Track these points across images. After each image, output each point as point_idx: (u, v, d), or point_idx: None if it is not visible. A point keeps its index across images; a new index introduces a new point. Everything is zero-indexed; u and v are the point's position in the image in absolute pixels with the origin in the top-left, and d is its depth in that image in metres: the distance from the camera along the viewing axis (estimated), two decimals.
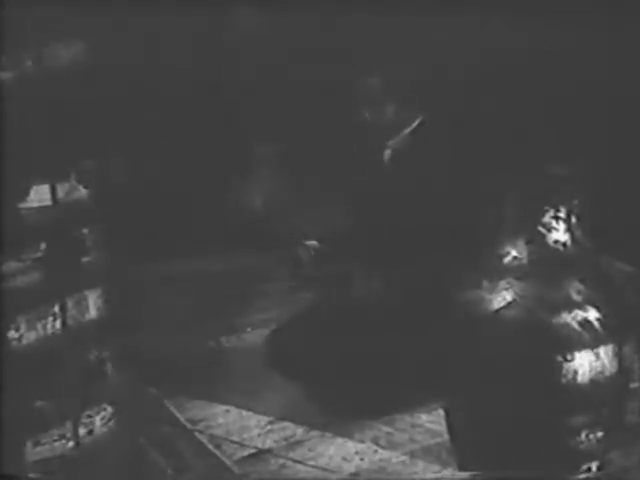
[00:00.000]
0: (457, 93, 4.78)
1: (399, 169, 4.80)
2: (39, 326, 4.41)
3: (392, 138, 4.89)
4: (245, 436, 4.59)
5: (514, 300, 3.89)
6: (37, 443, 4.38)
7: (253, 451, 4.45)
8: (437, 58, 4.91)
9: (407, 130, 4.87)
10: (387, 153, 4.90)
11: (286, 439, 4.53)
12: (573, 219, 3.97)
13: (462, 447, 4.06)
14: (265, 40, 5.19)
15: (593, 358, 3.84)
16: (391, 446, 4.41)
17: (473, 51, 4.79)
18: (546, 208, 3.96)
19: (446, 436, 4.19)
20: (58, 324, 4.47)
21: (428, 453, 4.31)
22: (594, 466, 3.90)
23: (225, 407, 4.86)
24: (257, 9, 5.06)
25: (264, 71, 5.24)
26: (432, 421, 4.54)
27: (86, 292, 4.57)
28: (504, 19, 4.63)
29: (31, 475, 4.28)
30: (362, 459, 4.33)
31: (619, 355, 3.90)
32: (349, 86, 5.00)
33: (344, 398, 4.62)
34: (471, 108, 4.74)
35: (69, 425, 4.47)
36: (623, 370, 3.93)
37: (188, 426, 4.74)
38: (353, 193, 4.98)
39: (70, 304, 4.51)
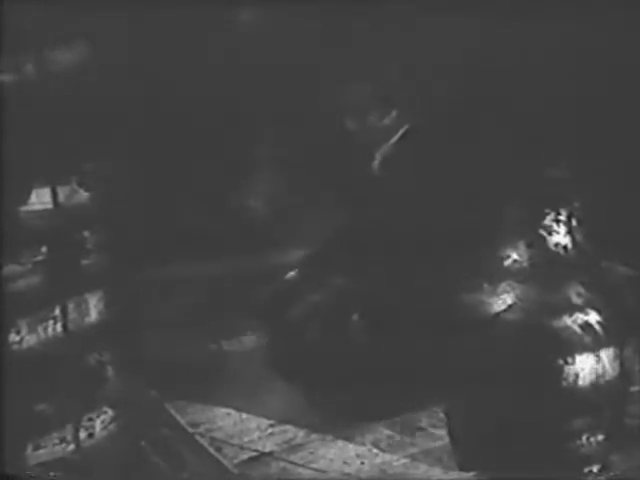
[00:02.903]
0: (458, 96, 4.78)
1: (398, 173, 4.80)
2: (40, 329, 4.41)
3: (379, 148, 4.88)
4: (246, 439, 4.59)
5: (515, 303, 3.89)
6: (38, 446, 4.38)
7: (254, 454, 4.45)
8: (435, 60, 4.91)
9: (394, 138, 4.87)
10: (376, 163, 4.90)
11: (287, 442, 4.53)
12: (574, 222, 3.98)
13: (463, 450, 4.06)
14: (262, 41, 5.20)
15: (594, 361, 3.84)
16: (392, 449, 4.41)
17: (472, 53, 4.79)
18: (547, 211, 3.96)
19: (447, 439, 4.19)
20: (59, 327, 4.47)
21: (429, 456, 4.31)
22: (595, 469, 3.90)
23: (226, 410, 4.86)
24: (258, 8, 5.05)
25: (255, 75, 5.25)
26: (433, 424, 4.55)
27: (87, 295, 4.57)
28: (503, 21, 4.63)
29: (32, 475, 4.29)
30: (363, 462, 4.33)
31: (620, 358, 3.91)
32: (336, 94, 4.99)
33: (344, 401, 4.61)
34: (472, 111, 4.74)
35: (70, 428, 4.48)
36: (624, 373, 3.93)
37: (189, 429, 4.74)
38: (351, 196, 4.97)
39: (71, 307, 4.51)
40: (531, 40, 4.70)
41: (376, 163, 4.87)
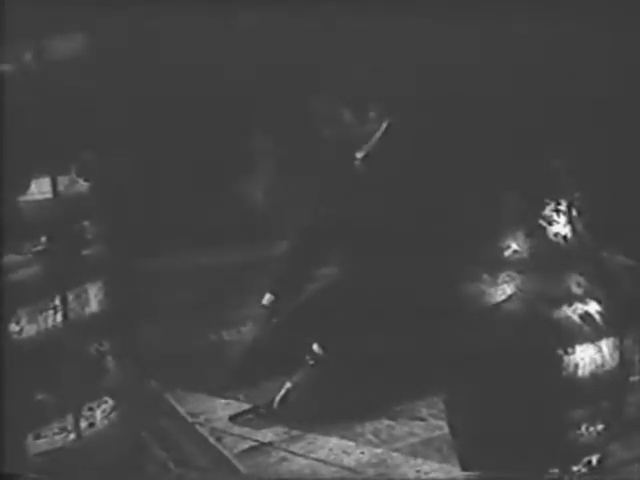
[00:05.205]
0: (458, 85, 4.78)
1: (392, 165, 4.79)
2: (40, 319, 4.41)
3: (360, 149, 4.88)
4: (246, 429, 4.60)
5: (514, 293, 3.88)
6: (38, 436, 4.38)
7: (254, 444, 4.46)
8: (436, 52, 4.91)
9: (376, 136, 4.86)
10: (357, 164, 4.90)
11: (286, 432, 4.54)
12: (574, 212, 3.97)
13: (461, 439, 4.06)
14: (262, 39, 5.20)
15: (594, 351, 3.84)
16: (392, 439, 4.42)
17: (471, 47, 4.79)
18: (547, 201, 3.95)
19: (446, 429, 4.19)
20: (59, 317, 4.47)
21: (429, 446, 4.31)
22: (594, 459, 3.90)
23: (225, 400, 4.87)
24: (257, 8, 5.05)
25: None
26: (433, 414, 4.55)
27: (87, 285, 4.57)
28: (501, 13, 4.63)
29: (33, 475, 4.29)
30: (362, 452, 4.33)
31: (620, 348, 3.90)
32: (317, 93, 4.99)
33: (344, 393, 4.62)
34: (471, 101, 4.73)
35: (70, 418, 4.48)
36: (623, 363, 3.92)
37: (188, 419, 4.75)
38: (348, 189, 4.98)
39: (71, 297, 4.51)
40: (531, 31, 4.70)
41: (357, 164, 4.88)
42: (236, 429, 4.59)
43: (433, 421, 4.50)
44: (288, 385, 4.65)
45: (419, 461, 4.20)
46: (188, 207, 5.34)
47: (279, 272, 5.09)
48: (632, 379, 4.16)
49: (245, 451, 4.40)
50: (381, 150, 4.85)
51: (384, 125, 4.87)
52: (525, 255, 3.93)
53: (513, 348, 3.83)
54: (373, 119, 4.87)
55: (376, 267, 4.72)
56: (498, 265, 3.93)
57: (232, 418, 4.64)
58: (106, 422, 4.58)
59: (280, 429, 4.56)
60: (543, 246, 3.94)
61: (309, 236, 5.08)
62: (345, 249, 4.97)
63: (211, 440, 4.53)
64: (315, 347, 4.63)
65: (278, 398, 4.64)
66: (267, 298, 5.02)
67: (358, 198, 4.90)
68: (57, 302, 4.47)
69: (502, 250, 3.95)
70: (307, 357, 4.65)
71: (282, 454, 4.35)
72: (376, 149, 4.86)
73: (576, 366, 3.81)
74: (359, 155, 4.88)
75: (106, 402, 4.60)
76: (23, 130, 4.29)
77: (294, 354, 4.74)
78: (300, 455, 4.33)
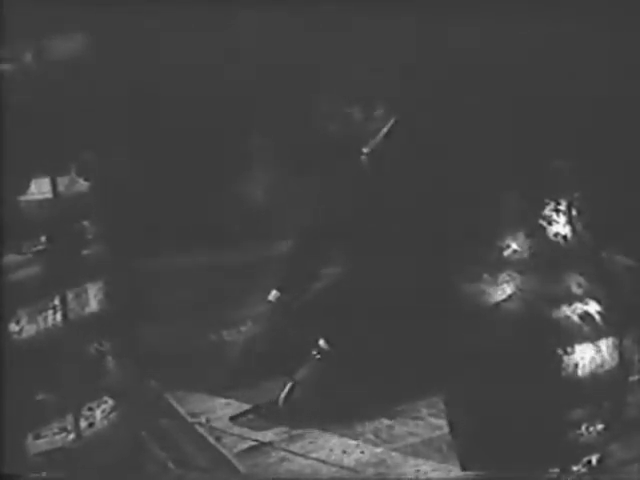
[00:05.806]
0: (457, 86, 4.78)
1: (393, 164, 4.79)
2: (40, 319, 4.42)
3: (366, 144, 4.88)
4: (245, 429, 4.60)
5: (514, 293, 3.88)
6: (38, 436, 4.39)
7: (254, 444, 4.46)
8: (440, 52, 4.91)
9: (382, 133, 4.86)
10: (364, 159, 4.90)
11: (286, 432, 4.54)
12: (574, 212, 3.97)
13: (462, 439, 4.06)
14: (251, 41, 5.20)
15: (593, 351, 3.84)
16: (392, 439, 4.42)
17: (472, 46, 4.79)
18: (547, 201, 3.95)
19: (446, 429, 4.19)
20: (59, 317, 4.48)
21: (429, 446, 4.31)
22: (594, 459, 3.90)
23: (225, 400, 4.87)
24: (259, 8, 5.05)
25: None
26: (433, 414, 4.55)
27: (87, 285, 4.57)
28: (503, 14, 4.63)
29: (33, 475, 4.29)
30: (362, 452, 4.33)
31: (619, 348, 3.90)
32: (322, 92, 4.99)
33: (345, 393, 4.62)
34: (472, 101, 4.73)
35: (70, 418, 4.49)
36: (623, 363, 3.92)
37: (188, 419, 4.75)
38: (349, 188, 4.98)
39: (71, 297, 4.52)
40: (532, 32, 4.70)
41: (364, 159, 4.88)
42: (236, 429, 4.59)
43: (433, 421, 4.50)
44: (291, 383, 4.65)
45: (419, 461, 4.20)
46: (188, 207, 5.34)
47: (286, 269, 5.10)
48: (632, 379, 4.16)
49: (245, 451, 4.40)
50: (385, 149, 4.86)
51: (390, 123, 4.87)
52: (525, 255, 3.93)
53: (513, 348, 3.83)
54: (379, 117, 4.88)
55: (376, 267, 4.73)
56: (498, 265, 3.93)
57: (233, 418, 4.64)
58: (106, 422, 4.58)
59: (280, 429, 4.56)
60: (543, 246, 3.94)
61: (314, 234, 5.08)
62: (346, 248, 4.97)
63: (211, 440, 4.53)
64: (321, 342, 4.64)
65: (282, 395, 4.64)
66: (273, 294, 5.03)
67: (360, 198, 4.90)
68: (57, 302, 4.48)
69: (502, 250, 3.95)
70: (313, 352, 4.65)
71: (282, 454, 4.35)
72: (380, 147, 4.86)
73: (576, 366, 3.81)
74: (365, 150, 4.89)
75: (106, 402, 4.60)
76: (23, 130, 4.29)
77: (295, 354, 4.74)
78: (300, 455, 4.33)
